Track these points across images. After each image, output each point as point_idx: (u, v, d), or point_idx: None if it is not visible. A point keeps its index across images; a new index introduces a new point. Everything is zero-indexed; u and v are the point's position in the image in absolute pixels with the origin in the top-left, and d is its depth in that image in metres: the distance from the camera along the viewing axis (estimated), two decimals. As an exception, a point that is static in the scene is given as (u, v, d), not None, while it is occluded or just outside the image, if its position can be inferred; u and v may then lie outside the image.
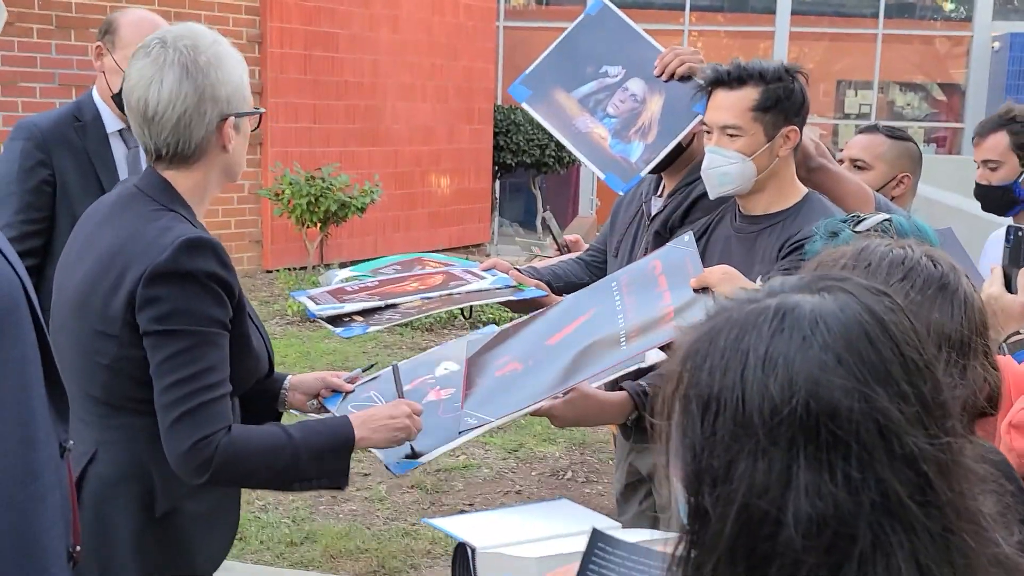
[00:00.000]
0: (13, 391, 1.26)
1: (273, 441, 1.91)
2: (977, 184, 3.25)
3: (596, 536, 1.66)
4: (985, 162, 3.21)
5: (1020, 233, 2.15)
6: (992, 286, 2.15)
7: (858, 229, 1.93)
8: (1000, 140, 3.18)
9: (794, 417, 0.89)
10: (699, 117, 2.66)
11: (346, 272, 2.82)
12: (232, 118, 1.91)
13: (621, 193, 2.80)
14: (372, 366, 2.50)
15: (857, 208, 2.39)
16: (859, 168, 3.20)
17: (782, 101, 2.43)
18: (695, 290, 2.16)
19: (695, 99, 2.64)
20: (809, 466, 0.89)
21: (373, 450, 2.14)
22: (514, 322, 2.49)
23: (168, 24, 3.17)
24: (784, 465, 0.89)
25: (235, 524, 2.13)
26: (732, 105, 2.43)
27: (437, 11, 11.38)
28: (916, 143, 3.32)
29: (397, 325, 2.61)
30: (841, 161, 3.25)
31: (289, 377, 2.25)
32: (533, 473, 5.38)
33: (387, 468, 2.15)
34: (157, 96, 1.88)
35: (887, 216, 1.95)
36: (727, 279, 2.14)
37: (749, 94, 2.43)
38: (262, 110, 2.01)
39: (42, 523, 1.28)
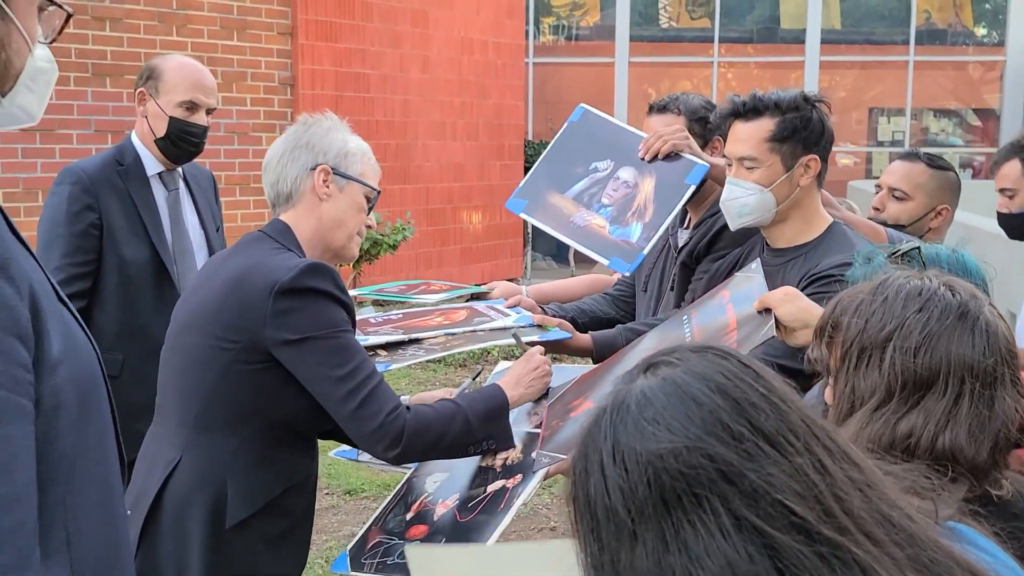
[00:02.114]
0: (95, 466, 1.29)
1: (446, 410, 2.16)
2: (998, 213, 3.19)
3: None
4: (1002, 191, 3.16)
5: None
6: None
7: (892, 255, 1.90)
8: (1013, 168, 3.12)
9: (649, 494, 0.93)
10: (692, 188, 2.68)
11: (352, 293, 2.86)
12: (328, 169, 2.20)
13: (627, 274, 2.81)
14: (479, 374, 2.53)
15: None
16: (897, 199, 3.10)
17: (799, 131, 2.40)
18: (758, 312, 2.13)
19: (686, 172, 2.67)
20: (683, 533, 0.92)
21: None
22: (593, 367, 2.50)
23: (207, 72, 3.25)
24: (659, 540, 0.92)
25: (303, 557, 2.23)
26: (748, 136, 2.42)
27: (466, 50, 11.47)
28: (956, 172, 3.24)
29: (429, 361, 2.65)
30: (879, 188, 3.19)
31: (407, 398, 2.37)
32: (568, 509, 5.33)
33: None
34: (270, 151, 2.27)
35: (917, 245, 1.93)
36: (788, 299, 2.10)
37: (765, 125, 2.41)
38: (377, 189, 2.29)
39: None
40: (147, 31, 8.29)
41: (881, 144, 17.11)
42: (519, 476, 2.20)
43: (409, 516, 2.28)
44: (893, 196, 3.10)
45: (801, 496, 0.93)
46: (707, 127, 2.91)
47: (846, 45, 17.06)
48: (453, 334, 2.45)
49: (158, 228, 3.22)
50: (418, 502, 2.31)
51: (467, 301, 2.85)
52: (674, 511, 0.92)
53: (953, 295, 1.41)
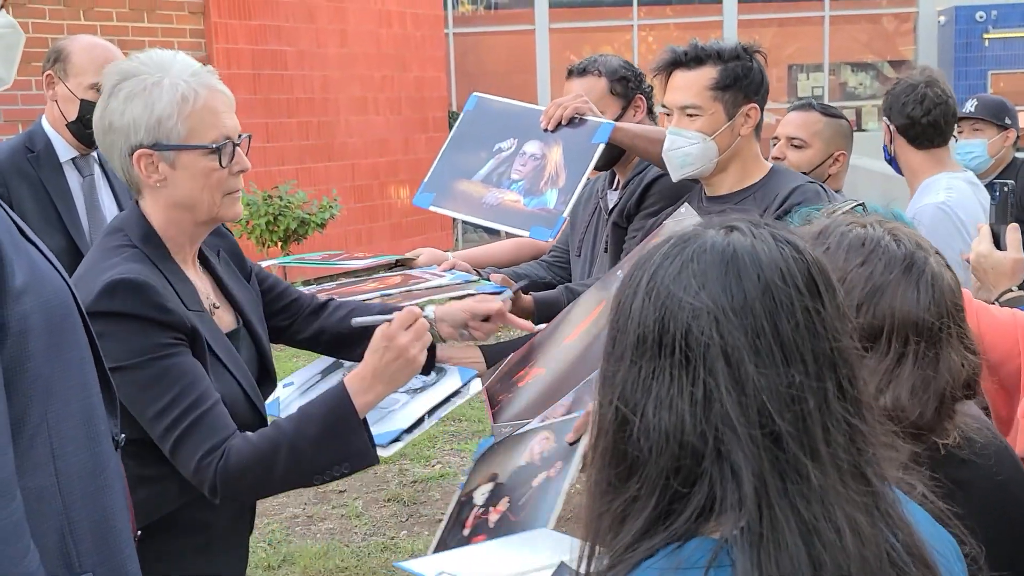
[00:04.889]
0: (76, 390, 1.36)
1: (267, 442, 1.81)
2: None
3: (563, 569, 1.68)
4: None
5: (1006, 189, 2.13)
6: (981, 244, 2.13)
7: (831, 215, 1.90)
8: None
9: (653, 332, 0.98)
10: (601, 146, 2.64)
11: (273, 262, 2.77)
12: (147, 153, 1.84)
13: (551, 240, 2.72)
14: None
15: None
16: (796, 147, 3.22)
17: (741, 79, 2.42)
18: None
19: (592, 133, 2.65)
20: (662, 380, 0.97)
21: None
22: (529, 339, 2.44)
23: (117, 51, 3.13)
24: (647, 374, 0.98)
25: (236, 561, 2.09)
26: (690, 84, 2.42)
27: (384, 23, 11.33)
28: (848, 120, 3.37)
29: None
30: (776, 139, 3.26)
31: (432, 309, 2.22)
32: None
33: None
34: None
35: (860, 202, 1.93)
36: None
37: (707, 73, 2.41)
38: (208, 144, 1.87)
39: (112, 510, 1.40)
40: (52, 16, 8.04)
41: (801, 100, 17.34)
42: (559, 464, 2.17)
43: (466, 532, 2.23)
44: (792, 145, 3.22)
45: (788, 409, 0.95)
46: (628, 86, 2.91)
47: (763, 3, 17.20)
48: (389, 295, 2.42)
49: (74, 216, 3.13)
50: (471, 517, 2.27)
51: (392, 268, 2.82)
52: (664, 357, 0.97)
53: (898, 245, 1.35)
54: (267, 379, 2.12)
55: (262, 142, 9.78)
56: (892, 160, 3.26)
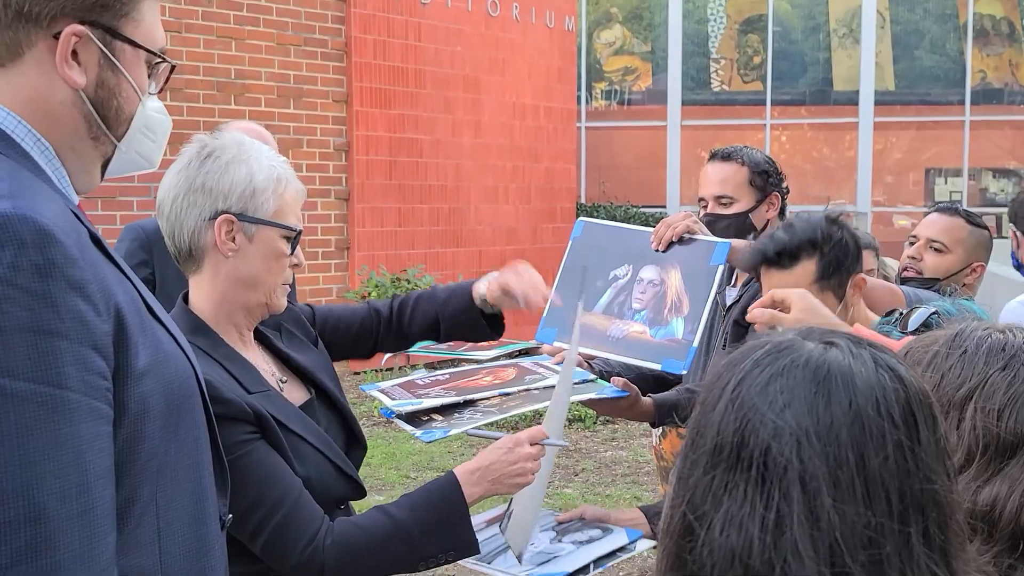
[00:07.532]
0: (188, 470, 1.36)
1: (380, 529, 1.83)
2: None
3: None
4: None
5: None
6: None
7: (909, 329, 1.85)
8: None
9: (732, 444, 0.93)
10: (721, 267, 2.57)
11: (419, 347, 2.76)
12: (231, 219, 1.83)
13: (684, 371, 2.62)
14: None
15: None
16: (936, 251, 3.10)
17: (842, 261, 2.34)
18: (766, 306, 2.08)
19: (708, 254, 2.57)
20: (735, 495, 0.92)
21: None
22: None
23: (268, 135, 3.28)
24: (719, 485, 0.93)
25: None
26: (795, 285, 2.29)
27: (518, 115, 11.58)
28: (989, 230, 3.25)
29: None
30: (915, 238, 3.16)
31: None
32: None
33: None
34: (162, 186, 1.88)
35: (934, 309, 1.87)
36: (810, 312, 2.01)
37: (807, 268, 2.34)
38: (297, 229, 1.90)
39: None
40: (206, 100, 8.49)
41: (938, 205, 16.91)
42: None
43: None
44: (931, 248, 3.09)
45: (863, 550, 0.89)
46: (767, 181, 2.88)
47: (901, 106, 16.96)
48: (508, 394, 2.39)
49: None
50: None
51: (514, 357, 2.80)
52: (740, 472, 0.92)
53: None
54: (355, 443, 2.10)
55: (394, 226, 10.03)
56: (1021, 267, 3.15)
